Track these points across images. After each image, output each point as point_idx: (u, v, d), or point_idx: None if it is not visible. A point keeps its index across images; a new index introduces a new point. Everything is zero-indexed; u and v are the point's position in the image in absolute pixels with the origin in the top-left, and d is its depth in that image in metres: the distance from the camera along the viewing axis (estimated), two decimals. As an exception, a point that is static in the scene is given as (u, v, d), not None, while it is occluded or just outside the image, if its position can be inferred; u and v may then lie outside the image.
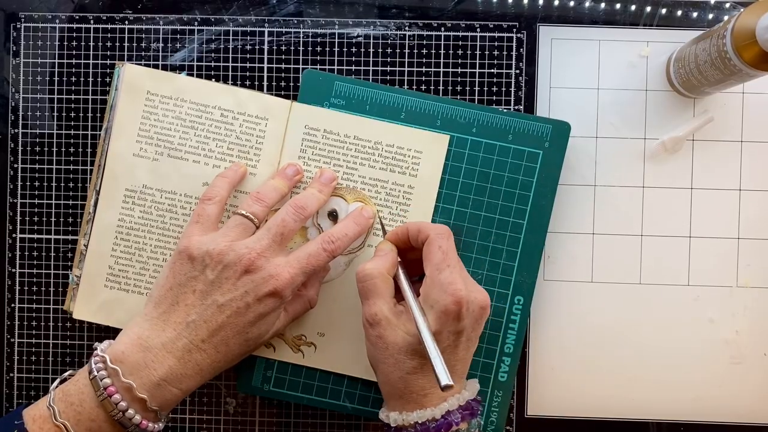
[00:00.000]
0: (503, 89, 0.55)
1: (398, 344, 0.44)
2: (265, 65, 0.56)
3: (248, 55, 0.56)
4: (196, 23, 0.56)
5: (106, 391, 0.43)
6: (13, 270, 0.56)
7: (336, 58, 0.55)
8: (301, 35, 0.56)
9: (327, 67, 0.55)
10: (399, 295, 0.47)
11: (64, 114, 0.56)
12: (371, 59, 0.56)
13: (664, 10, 0.55)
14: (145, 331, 0.45)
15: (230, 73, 0.56)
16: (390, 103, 0.54)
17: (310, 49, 0.56)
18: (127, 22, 0.56)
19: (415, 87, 0.55)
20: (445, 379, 0.40)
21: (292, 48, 0.56)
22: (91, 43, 0.56)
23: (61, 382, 0.46)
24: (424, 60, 0.56)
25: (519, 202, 0.53)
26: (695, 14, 0.55)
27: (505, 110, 0.54)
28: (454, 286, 0.43)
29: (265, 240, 0.46)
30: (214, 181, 0.51)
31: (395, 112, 0.54)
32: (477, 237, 0.53)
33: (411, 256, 0.49)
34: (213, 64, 0.56)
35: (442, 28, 0.56)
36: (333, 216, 0.53)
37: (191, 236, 0.47)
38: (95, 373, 0.43)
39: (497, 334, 0.54)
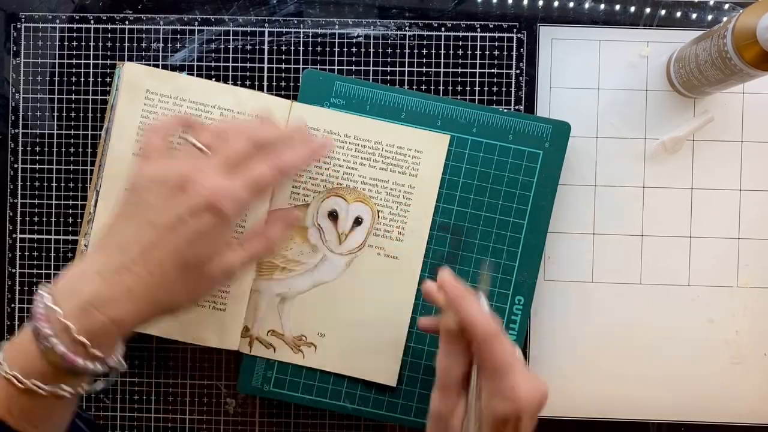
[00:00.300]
0: (503, 89, 0.55)
1: None
2: (265, 65, 0.56)
3: (248, 55, 0.56)
4: (196, 23, 0.56)
5: (35, 321, 0.39)
6: (13, 270, 0.56)
7: (336, 58, 0.55)
8: (301, 35, 0.56)
9: (327, 67, 0.55)
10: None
11: (64, 114, 0.56)
12: (371, 59, 0.56)
13: (663, 11, 0.56)
14: (82, 264, 0.41)
15: (230, 73, 0.56)
16: (390, 103, 0.54)
17: (310, 49, 0.56)
18: (127, 22, 0.56)
19: (415, 87, 0.55)
20: None
21: (292, 48, 0.56)
22: (91, 43, 0.56)
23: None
24: (424, 60, 0.56)
25: (519, 203, 0.53)
26: (695, 15, 0.56)
27: (505, 110, 0.54)
28: (514, 391, 0.39)
29: (210, 159, 0.43)
30: (164, 118, 0.48)
31: (395, 112, 0.54)
32: (478, 237, 0.53)
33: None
34: (213, 64, 0.56)
35: (443, 29, 0.56)
36: (333, 216, 0.53)
37: (138, 170, 0.43)
38: (33, 308, 0.40)
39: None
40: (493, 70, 0.56)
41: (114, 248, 0.41)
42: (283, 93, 0.56)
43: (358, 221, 0.53)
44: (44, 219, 0.56)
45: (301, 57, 0.56)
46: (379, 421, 0.55)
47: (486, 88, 0.55)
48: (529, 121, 0.53)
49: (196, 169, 0.42)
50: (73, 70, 0.56)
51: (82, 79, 0.56)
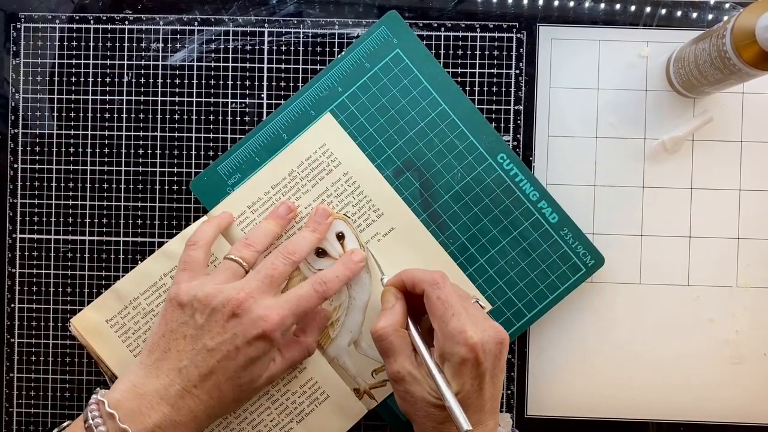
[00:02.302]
0: (503, 89, 0.56)
1: (425, 398, 0.44)
2: (265, 65, 0.56)
3: (248, 55, 0.56)
4: (196, 23, 0.56)
5: None
6: (13, 270, 0.56)
7: (335, 59, 0.55)
8: (301, 35, 0.56)
9: (326, 67, 0.55)
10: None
11: (64, 114, 0.56)
12: (371, 59, 0.56)
13: (663, 11, 0.56)
14: (140, 379, 0.44)
15: (230, 73, 0.56)
16: (266, 140, 0.54)
17: (310, 49, 0.56)
18: (127, 23, 0.56)
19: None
20: (463, 426, 0.41)
21: (292, 48, 0.56)
22: (91, 43, 0.56)
23: None
24: (424, 60, 0.55)
25: (432, 106, 0.54)
26: (695, 14, 0.56)
27: (337, 57, 0.56)
28: (463, 334, 0.43)
29: (253, 282, 0.46)
30: (200, 227, 0.51)
31: (277, 141, 0.54)
32: (428, 152, 0.54)
33: (416, 300, 0.48)
34: (213, 64, 0.56)
35: (442, 28, 0.56)
36: (322, 252, 0.53)
37: (180, 283, 0.47)
38: (90, 421, 0.43)
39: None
40: (492, 70, 0.56)
41: (173, 371, 0.44)
42: (283, 93, 0.56)
43: (340, 236, 0.53)
44: (44, 219, 0.56)
45: (301, 57, 0.56)
46: (379, 421, 0.55)
47: (486, 88, 0.55)
48: (364, 43, 0.54)
49: (246, 295, 0.45)
50: (73, 70, 0.56)
51: (82, 79, 0.56)
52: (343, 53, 0.55)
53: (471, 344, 0.42)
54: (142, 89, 0.56)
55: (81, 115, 0.56)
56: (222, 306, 0.45)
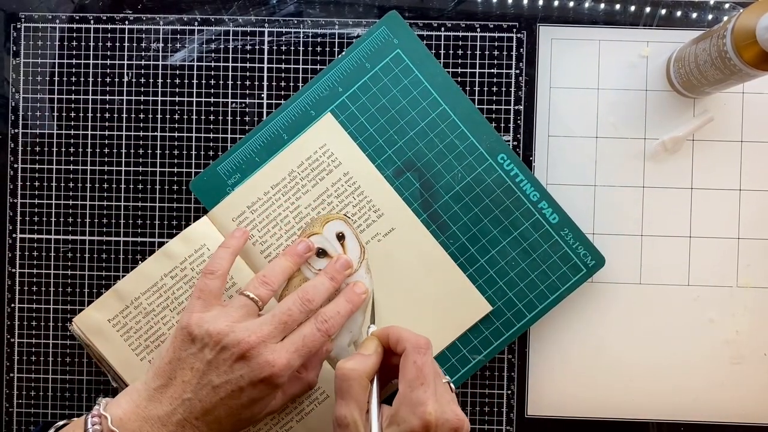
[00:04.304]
0: (503, 89, 0.55)
1: None
2: (265, 65, 0.56)
3: (248, 55, 0.56)
4: (196, 23, 0.56)
5: None
6: (13, 270, 0.56)
7: (336, 59, 0.55)
8: (301, 35, 0.56)
9: (326, 67, 0.55)
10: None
11: (64, 114, 0.56)
12: (371, 59, 0.56)
13: (663, 11, 0.56)
14: (143, 401, 0.45)
15: (230, 73, 0.56)
16: (267, 140, 0.54)
17: (310, 49, 0.56)
18: (127, 23, 0.56)
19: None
20: None
21: (292, 48, 0.56)
22: (91, 43, 0.56)
23: (56, 431, 0.46)
24: (424, 60, 0.55)
25: (432, 107, 0.54)
26: (695, 15, 0.56)
27: (337, 56, 0.56)
28: (423, 407, 0.42)
29: (267, 327, 0.46)
30: (217, 252, 0.50)
31: (277, 141, 0.54)
32: (428, 152, 0.54)
33: (390, 361, 0.48)
34: (213, 64, 0.56)
35: (442, 28, 0.56)
36: (323, 253, 0.53)
37: (193, 312, 0.47)
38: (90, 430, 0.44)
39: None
40: (492, 70, 0.56)
41: (177, 401, 0.45)
42: (283, 93, 0.56)
43: (340, 237, 0.53)
44: (44, 219, 0.56)
45: (300, 57, 0.56)
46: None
47: (486, 88, 0.55)
48: (365, 44, 0.54)
49: (258, 340, 0.45)
50: (73, 70, 0.56)
51: (82, 79, 0.56)
52: (343, 53, 0.55)
53: (426, 420, 0.42)
54: (142, 89, 0.56)
55: (81, 115, 0.56)
56: (232, 346, 0.45)
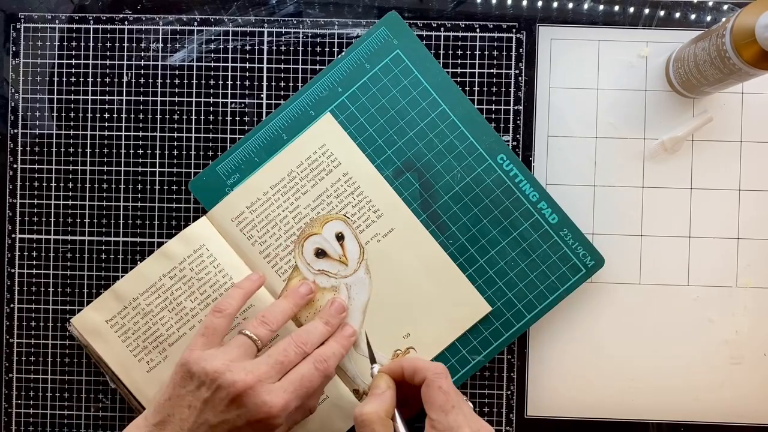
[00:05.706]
0: (503, 89, 0.56)
1: None
2: (265, 65, 0.56)
3: (248, 55, 0.56)
4: (195, 23, 0.56)
5: None
6: (13, 270, 0.56)
7: (335, 59, 0.55)
8: (301, 35, 0.56)
9: (326, 67, 0.55)
10: None
11: (64, 114, 0.56)
12: (371, 59, 0.56)
13: (662, 12, 0.56)
14: None
15: (229, 73, 0.56)
16: (266, 140, 0.54)
17: (309, 49, 0.56)
18: (126, 23, 0.56)
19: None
20: None
21: (292, 48, 0.56)
22: (91, 44, 0.56)
23: None
24: (423, 60, 0.56)
25: (432, 107, 0.54)
26: (693, 15, 0.56)
27: (337, 57, 0.56)
28: (461, 430, 0.43)
29: (263, 367, 0.46)
30: (230, 292, 0.51)
31: (277, 141, 0.54)
32: (427, 152, 0.54)
33: (407, 390, 0.48)
34: (213, 64, 0.56)
35: (442, 29, 0.56)
36: (322, 253, 0.53)
37: (193, 349, 0.47)
38: None
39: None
40: (492, 71, 0.56)
41: None
42: (282, 93, 0.56)
43: (340, 237, 0.53)
44: (44, 219, 0.56)
45: (300, 57, 0.56)
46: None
47: (485, 89, 0.56)
48: (364, 44, 0.54)
49: (254, 380, 0.45)
50: (73, 70, 0.56)
51: (82, 79, 0.56)
52: (343, 53, 0.55)
53: None
54: (142, 89, 0.56)
55: (81, 115, 0.56)
56: (228, 386, 0.45)
